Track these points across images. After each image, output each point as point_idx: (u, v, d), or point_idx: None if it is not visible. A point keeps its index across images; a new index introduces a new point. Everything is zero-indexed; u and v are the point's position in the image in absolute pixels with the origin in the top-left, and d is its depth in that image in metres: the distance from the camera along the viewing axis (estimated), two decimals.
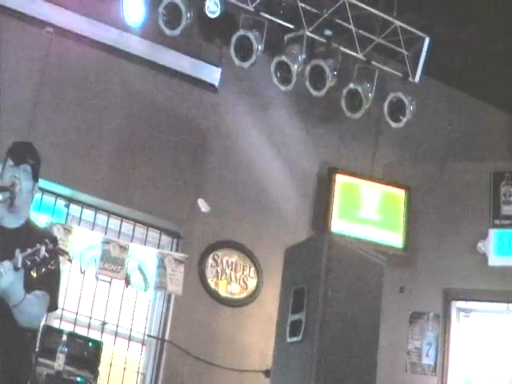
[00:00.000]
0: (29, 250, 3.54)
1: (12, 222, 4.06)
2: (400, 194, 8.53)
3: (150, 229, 7.75)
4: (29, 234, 4.01)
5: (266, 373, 7.30)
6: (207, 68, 7.95)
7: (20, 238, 3.96)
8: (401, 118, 7.94)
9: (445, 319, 8.24)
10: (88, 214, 7.51)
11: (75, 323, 7.04)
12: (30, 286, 3.69)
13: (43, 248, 3.53)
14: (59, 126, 7.42)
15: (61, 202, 7.33)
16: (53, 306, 4.03)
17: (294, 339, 5.75)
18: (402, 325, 8.23)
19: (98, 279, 7.26)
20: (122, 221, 7.61)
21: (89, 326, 7.18)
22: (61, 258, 3.89)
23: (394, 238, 8.38)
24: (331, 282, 5.69)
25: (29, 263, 3.54)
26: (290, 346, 5.82)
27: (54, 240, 3.77)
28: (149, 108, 7.87)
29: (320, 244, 5.83)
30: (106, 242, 7.24)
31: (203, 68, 7.94)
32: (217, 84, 7.99)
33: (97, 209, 7.52)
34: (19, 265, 3.53)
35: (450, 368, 8.10)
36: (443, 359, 8.11)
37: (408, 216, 8.49)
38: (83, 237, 7.25)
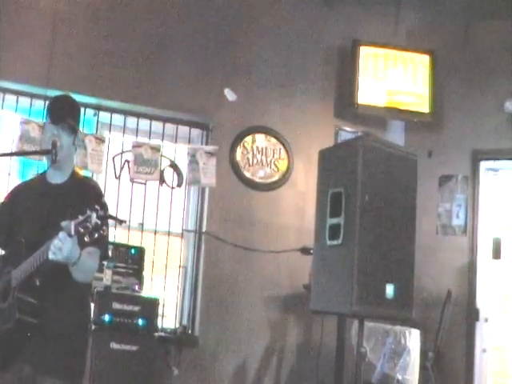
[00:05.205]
0: (80, 218, 3.55)
1: (57, 178, 4.19)
2: (424, 59, 8.37)
3: (179, 126, 7.74)
4: (74, 188, 4.14)
5: (303, 250, 7.49)
6: None
7: (66, 193, 4.08)
8: None
9: (473, 180, 8.28)
10: (117, 118, 7.50)
11: (115, 227, 7.14)
12: (82, 246, 3.76)
13: (94, 215, 3.54)
14: (80, 34, 7.28)
15: (89, 112, 7.30)
16: (104, 257, 4.16)
17: (334, 242, 5.85)
18: (432, 189, 8.30)
19: (133, 183, 7.36)
20: (151, 121, 7.60)
21: (129, 228, 7.36)
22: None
23: (420, 104, 8.34)
24: (368, 185, 5.72)
25: (81, 230, 3.57)
26: (329, 249, 5.91)
27: (104, 206, 3.83)
28: (170, 1, 7.70)
29: (355, 148, 5.82)
30: (138, 146, 7.29)
31: None
32: None
33: (125, 113, 7.49)
34: (72, 232, 3.58)
35: (480, 227, 8.20)
36: (473, 219, 8.21)
37: (433, 81, 8.36)
38: (115, 143, 7.31)
